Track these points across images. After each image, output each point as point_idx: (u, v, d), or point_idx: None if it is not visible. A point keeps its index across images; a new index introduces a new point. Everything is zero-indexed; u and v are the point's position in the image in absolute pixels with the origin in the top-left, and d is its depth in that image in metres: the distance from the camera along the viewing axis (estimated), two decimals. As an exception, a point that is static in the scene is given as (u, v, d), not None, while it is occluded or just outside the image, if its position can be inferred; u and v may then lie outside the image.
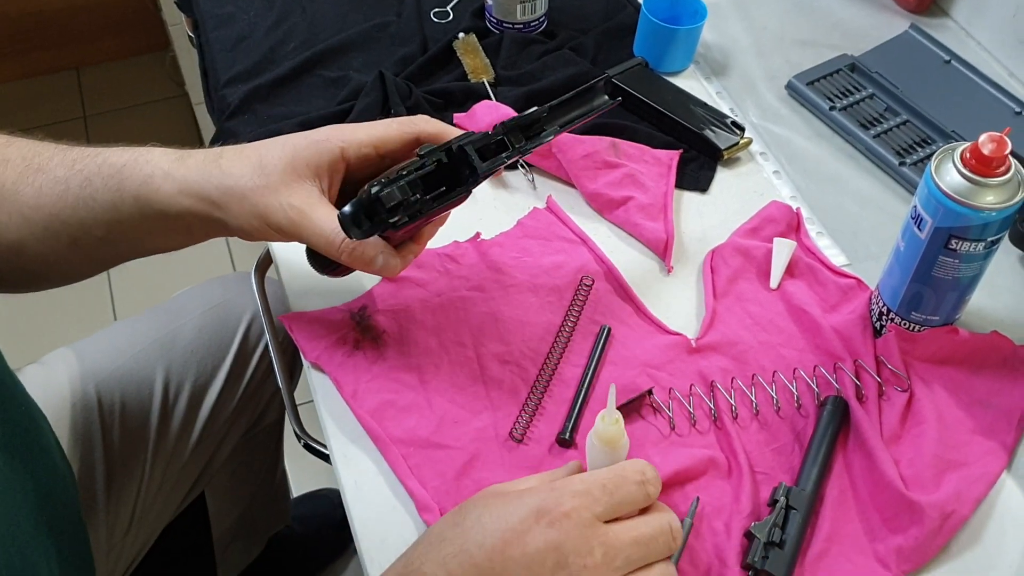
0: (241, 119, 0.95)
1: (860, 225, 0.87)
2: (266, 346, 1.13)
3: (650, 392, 0.73)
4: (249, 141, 0.90)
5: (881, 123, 0.94)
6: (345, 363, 0.74)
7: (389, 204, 0.61)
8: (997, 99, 0.96)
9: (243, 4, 1.08)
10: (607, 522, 0.55)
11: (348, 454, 0.70)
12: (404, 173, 0.63)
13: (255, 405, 1.17)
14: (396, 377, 0.74)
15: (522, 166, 0.90)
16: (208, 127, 2.11)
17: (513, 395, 0.73)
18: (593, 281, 0.80)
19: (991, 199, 0.65)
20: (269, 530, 1.43)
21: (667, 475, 0.67)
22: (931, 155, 0.89)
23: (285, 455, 1.36)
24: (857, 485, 0.69)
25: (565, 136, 0.88)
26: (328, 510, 1.68)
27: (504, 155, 0.68)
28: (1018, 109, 0.95)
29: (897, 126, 0.93)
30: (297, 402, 1.26)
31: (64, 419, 0.93)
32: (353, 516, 0.68)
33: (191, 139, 2.19)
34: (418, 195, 0.63)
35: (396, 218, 0.62)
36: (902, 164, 0.89)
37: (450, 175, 0.66)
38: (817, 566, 0.65)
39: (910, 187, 0.89)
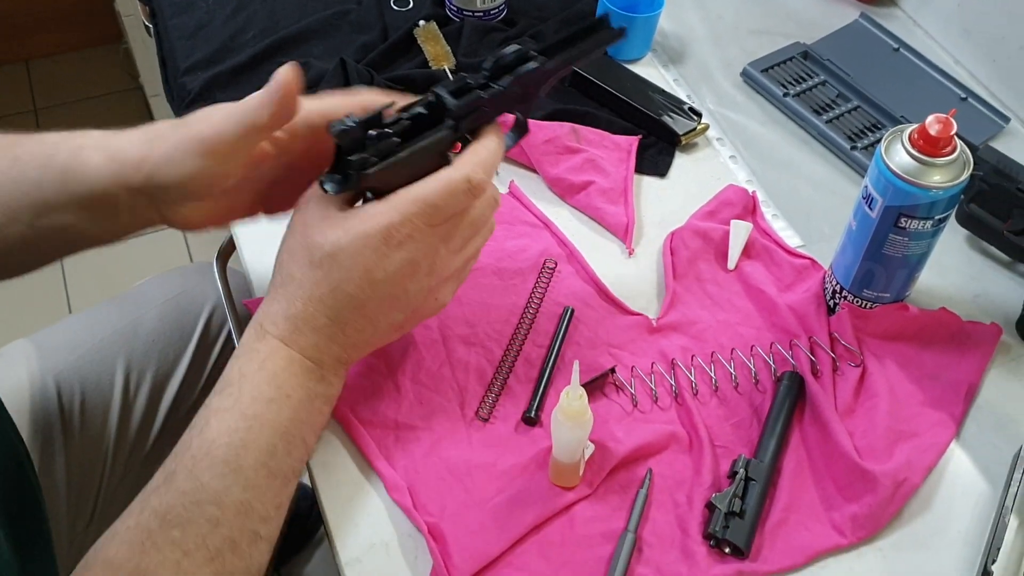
0: (201, 107, 0.94)
1: (813, 207, 0.89)
2: (228, 336, 1.12)
3: (613, 370, 0.74)
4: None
5: (833, 109, 0.96)
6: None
7: (345, 140, 0.58)
8: (944, 85, 0.99)
9: (201, -8, 1.08)
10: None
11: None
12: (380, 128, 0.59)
13: (217, 396, 1.17)
14: (363, 361, 0.74)
15: (484, 152, 0.90)
16: (165, 119, 2.08)
17: (479, 376, 0.74)
18: (556, 264, 0.82)
19: (938, 178, 0.67)
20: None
21: (630, 449, 0.69)
22: (881, 139, 0.92)
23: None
24: (813, 456, 0.71)
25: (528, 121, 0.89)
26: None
27: (481, 92, 0.63)
28: (963, 95, 0.98)
29: (848, 111, 0.96)
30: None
31: (23, 411, 0.92)
32: (323, 498, 0.68)
33: (146, 132, 2.15)
34: (391, 138, 0.59)
35: (362, 159, 0.58)
36: (853, 148, 0.92)
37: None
38: (776, 534, 0.67)
39: (861, 170, 0.91)
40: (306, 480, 0.71)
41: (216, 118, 0.61)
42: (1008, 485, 0.69)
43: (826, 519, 0.68)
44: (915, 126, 0.68)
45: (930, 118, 0.66)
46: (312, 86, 0.94)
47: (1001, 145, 0.95)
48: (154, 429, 1.06)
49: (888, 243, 0.71)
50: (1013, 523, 0.67)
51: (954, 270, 0.84)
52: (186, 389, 1.09)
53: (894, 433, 0.71)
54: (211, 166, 0.60)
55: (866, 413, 0.73)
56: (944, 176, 0.67)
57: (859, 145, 0.92)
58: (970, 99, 0.98)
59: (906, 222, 0.69)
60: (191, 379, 1.09)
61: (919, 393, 0.75)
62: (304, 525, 1.68)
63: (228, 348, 1.12)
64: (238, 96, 0.93)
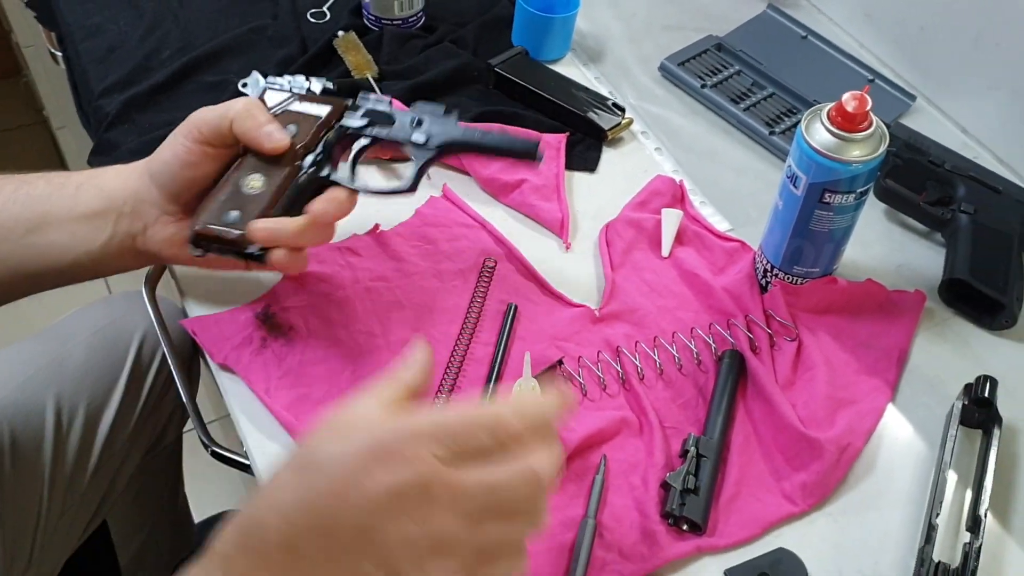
0: (120, 129, 0.92)
1: (738, 192, 0.92)
2: (160, 364, 1.10)
3: (560, 362, 0.75)
4: (131, 151, 0.89)
5: (749, 97, 0.99)
6: (254, 361, 0.74)
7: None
8: (851, 68, 1.04)
9: (111, 14, 1.06)
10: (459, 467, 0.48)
11: (268, 451, 0.70)
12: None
13: (154, 425, 1.14)
14: (308, 371, 0.74)
15: (414, 157, 0.91)
16: (72, 151, 2.03)
17: (427, 377, 0.74)
18: (496, 262, 0.82)
19: (857, 153, 0.70)
20: (175, 558, 1.39)
21: (583, 437, 0.70)
22: (797, 123, 0.95)
23: (184, 480, 1.33)
24: (759, 430, 0.73)
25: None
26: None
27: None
28: (871, 77, 1.03)
29: (764, 99, 0.99)
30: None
31: None
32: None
33: (53, 165, 2.09)
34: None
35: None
36: (772, 133, 0.95)
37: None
38: (730, 508, 0.68)
39: (781, 154, 0.94)
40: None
41: (204, 113, 0.70)
42: (944, 442, 0.72)
43: (777, 489, 0.70)
44: (832, 104, 0.71)
45: (846, 95, 0.69)
46: (235, 102, 0.93)
47: (910, 122, 0.99)
48: (91, 463, 1.04)
49: (814, 219, 0.74)
50: (952, 478, 0.70)
51: (876, 243, 0.88)
52: (121, 420, 1.06)
53: (834, 401, 0.74)
54: (192, 144, 0.69)
55: (805, 384, 0.75)
56: (863, 150, 0.70)
57: (777, 130, 0.96)
58: (877, 80, 1.02)
59: (830, 197, 0.72)
60: (125, 410, 1.07)
61: (854, 362, 0.77)
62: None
63: (161, 375, 1.10)
64: (157, 116, 0.93)
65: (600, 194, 0.90)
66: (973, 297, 0.81)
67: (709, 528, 0.67)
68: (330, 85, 0.77)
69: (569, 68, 1.03)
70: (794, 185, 0.73)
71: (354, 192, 0.71)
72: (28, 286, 0.73)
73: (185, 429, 1.23)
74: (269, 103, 0.73)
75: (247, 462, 0.83)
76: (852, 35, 1.08)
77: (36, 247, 0.70)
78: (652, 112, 0.99)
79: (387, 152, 0.74)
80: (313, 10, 1.08)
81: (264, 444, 0.70)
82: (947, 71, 0.99)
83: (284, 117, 0.71)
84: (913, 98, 1.01)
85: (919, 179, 0.87)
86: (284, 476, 0.50)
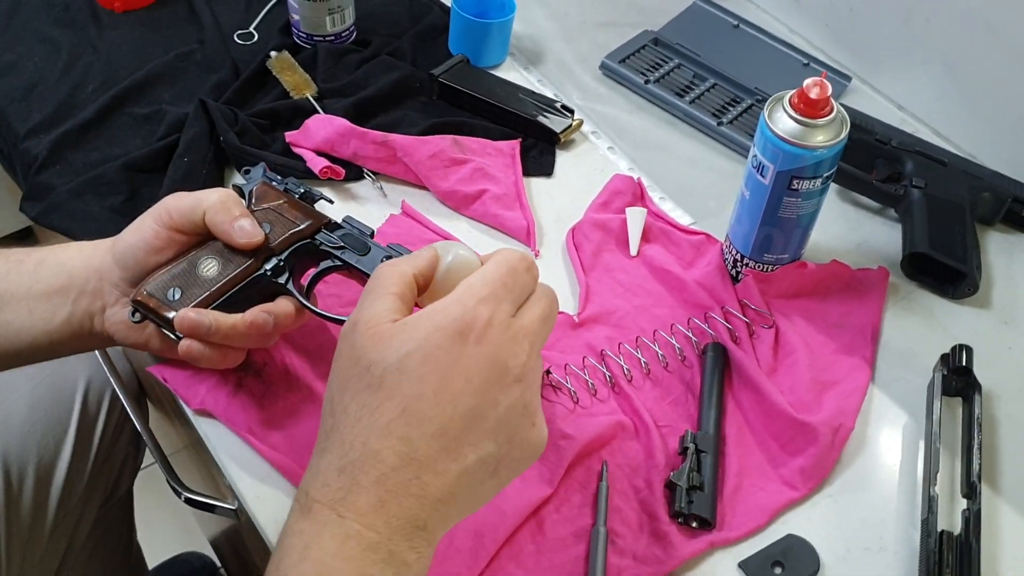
0: (53, 171, 0.88)
1: (694, 185, 0.92)
2: (108, 411, 1.06)
3: (548, 372, 0.74)
4: (67, 192, 0.85)
5: (693, 90, 1.00)
6: (232, 403, 0.71)
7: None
8: (785, 54, 1.05)
9: (24, 51, 1.00)
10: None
11: (260, 494, 0.67)
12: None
13: (107, 476, 1.10)
14: (289, 406, 0.71)
15: (369, 175, 0.89)
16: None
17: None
18: (466, 276, 0.81)
19: (821, 138, 0.71)
20: (134, 609, 1.34)
21: (582, 445, 0.69)
22: (743, 112, 0.97)
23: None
24: (751, 419, 0.73)
25: (408, 139, 0.88)
26: (187, 573, 1.60)
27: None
28: (805, 61, 1.05)
29: (708, 90, 1.00)
30: (144, 464, 1.19)
31: None
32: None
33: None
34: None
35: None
36: (720, 124, 0.96)
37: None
38: (735, 500, 0.69)
39: (731, 144, 0.95)
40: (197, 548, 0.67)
41: (177, 200, 0.67)
42: (929, 414, 0.73)
43: (776, 476, 0.70)
44: (792, 92, 0.72)
45: (807, 82, 0.70)
46: (175, 131, 0.89)
47: (847, 103, 1.01)
48: (47, 523, 0.99)
49: (783, 206, 0.75)
50: (945, 454, 0.72)
51: (833, 224, 0.89)
52: (74, 475, 1.02)
53: (818, 384, 0.75)
54: (161, 229, 0.66)
55: (787, 370, 0.76)
56: (827, 135, 0.71)
57: (724, 120, 0.96)
58: (812, 64, 1.04)
59: (798, 183, 0.73)
60: (77, 463, 1.03)
61: (830, 343, 0.79)
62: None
63: (111, 423, 1.06)
64: (91, 155, 0.89)
65: (560, 198, 0.90)
66: (934, 269, 0.83)
67: (718, 522, 0.67)
68: (329, 199, 0.76)
69: (510, 73, 1.02)
70: (761, 174, 0.74)
71: (303, 310, 0.68)
72: None
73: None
74: (257, 196, 0.69)
75: (228, 506, 0.81)
76: (782, 21, 1.10)
77: None
78: (599, 111, 0.99)
79: (351, 279, 0.71)
80: (239, 31, 1.05)
81: (257, 487, 0.68)
82: (879, 50, 1.01)
83: (262, 214, 0.68)
84: (848, 79, 1.03)
85: (868, 158, 0.89)
86: (360, 402, 0.49)
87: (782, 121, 0.72)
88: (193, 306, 0.64)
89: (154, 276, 0.65)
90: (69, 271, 0.68)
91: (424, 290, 0.56)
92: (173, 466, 0.92)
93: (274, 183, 0.71)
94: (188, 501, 0.87)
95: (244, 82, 0.96)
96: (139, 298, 0.65)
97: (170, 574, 1.58)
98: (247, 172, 0.72)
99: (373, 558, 0.48)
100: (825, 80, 0.70)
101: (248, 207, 0.68)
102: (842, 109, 0.72)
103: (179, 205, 0.66)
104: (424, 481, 0.48)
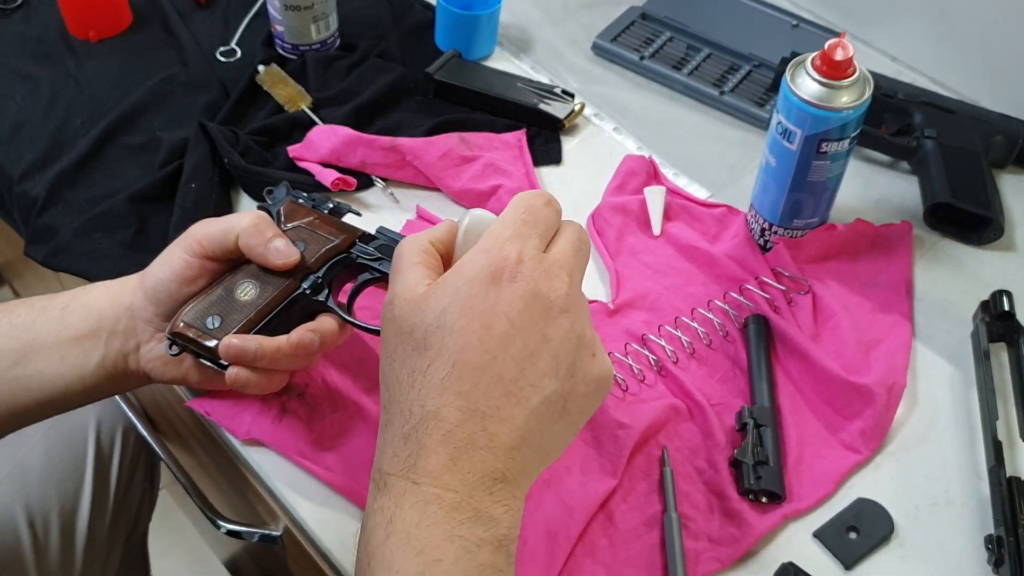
0: (55, 211, 0.85)
1: (706, 158, 0.91)
2: (122, 449, 1.04)
3: (594, 362, 0.73)
4: (74, 232, 0.82)
5: (689, 61, 0.99)
6: (279, 428, 0.69)
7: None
8: (774, 17, 1.05)
9: (3, 90, 0.97)
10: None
11: (324, 518, 0.66)
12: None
13: (128, 513, 1.08)
14: (337, 425, 0.70)
15: (379, 182, 0.87)
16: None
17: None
18: (494, 274, 0.80)
19: (847, 99, 0.71)
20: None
21: (640, 433, 0.69)
22: (743, 79, 0.96)
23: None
24: (802, 388, 0.73)
25: (415, 141, 0.86)
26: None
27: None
28: (794, 22, 1.04)
29: (704, 61, 0.99)
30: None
31: None
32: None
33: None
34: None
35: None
36: (722, 94, 0.95)
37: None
38: (799, 470, 0.68)
39: (737, 112, 0.95)
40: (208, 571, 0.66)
41: (206, 228, 0.64)
42: (981, 360, 0.73)
43: (836, 442, 0.70)
44: (813, 55, 0.71)
45: (829, 44, 0.70)
46: (175, 157, 0.87)
47: (841, 60, 1.01)
48: (76, 566, 0.98)
49: (812, 170, 0.74)
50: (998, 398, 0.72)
51: (849, 182, 0.88)
52: (96, 518, 1.01)
53: (863, 345, 0.75)
54: (193, 259, 0.63)
55: (831, 333, 0.76)
56: (852, 95, 0.71)
57: (726, 89, 0.96)
58: (801, 25, 1.04)
59: (826, 146, 0.72)
60: (98, 506, 1.01)
61: (866, 302, 0.78)
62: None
63: (125, 460, 1.04)
64: (91, 191, 0.86)
65: (573, 185, 0.89)
66: (957, 217, 0.83)
67: (787, 494, 0.66)
68: (357, 211, 0.74)
69: (501, 63, 1.01)
70: (788, 140, 0.73)
71: (345, 324, 0.66)
72: (15, 422, 0.66)
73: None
74: (286, 215, 0.68)
75: (273, 532, 0.79)
76: (766, -16, 1.10)
77: (23, 379, 0.64)
78: (599, 93, 0.98)
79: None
80: (221, 48, 1.02)
81: (317, 511, 0.66)
82: (868, 3, 1.01)
83: (294, 233, 0.66)
84: (838, 35, 1.02)
85: (876, 113, 0.89)
86: (410, 368, 0.49)
87: (806, 85, 0.71)
88: (234, 331, 0.62)
89: (190, 306, 0.63)
90: (98, 313, 0.66)
91: (448, 257, 0.56)
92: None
93: (300, 200, 0.69)
94: (228, 532, 0.85)
95: (236, 100, 0.94)
96: (177, 330, 0.63)
97: None
98: (270, 192, 0.70)
99: (459, 518, 0.47)
100: (846, 40, 0.70)
101: (279, 227, 0.66)
102: (864, 68, 0.72)
103: (209, 232, 0.64)
104: (491, 431, 0.48)
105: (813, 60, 0.71)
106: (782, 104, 0.73)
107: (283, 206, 0.68)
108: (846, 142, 0.73)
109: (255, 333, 0.63)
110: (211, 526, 0.87)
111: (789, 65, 0.72)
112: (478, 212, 0.56)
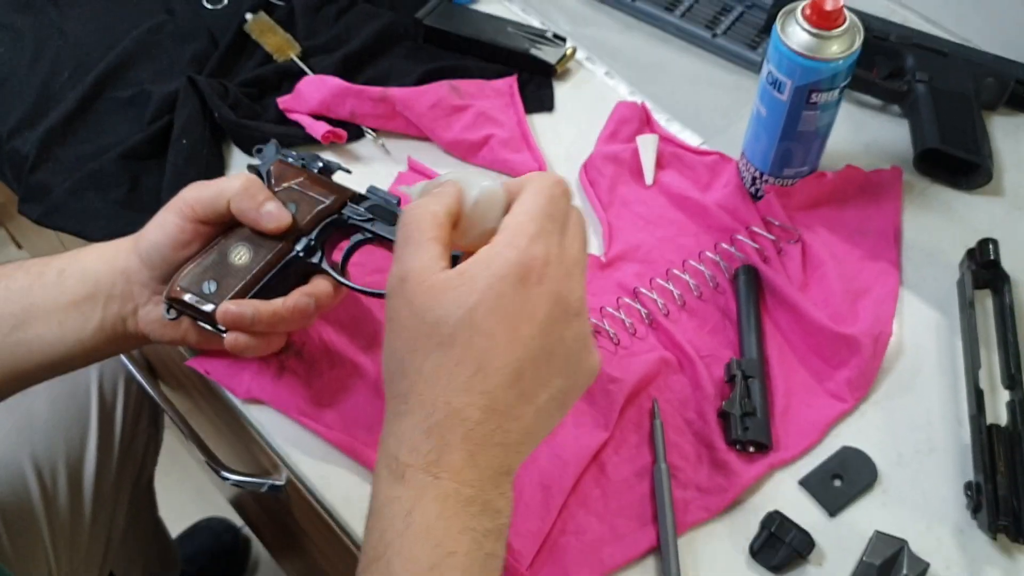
0: (46, 169, 0.85)
1: (698, 103, 0.91)
2: (126, 397, 1.06)
3: (585, 316, 0.74)
4: (67, 191, 0.83)
5: (681, 2, 0.98)
6: (278, 387, 0.71)
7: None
8: (769, -47, 1.03)
9: (-14, 42, 0.96)
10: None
11: (325, 473, 0.68)
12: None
13: (134, 460, 1.11)
14: (335, 382, 0.71)
15: (369, 133, 0.87)
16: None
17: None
18: (487, 228, 0.80)
19: (836, 48, 0.70)
20: (167, 583, 1.37)
21: (631, 387, 0.70)
22: (736, 20, 0.95)
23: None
24: (790, 338, 0.74)
25: (406, 91, 0.86)
26: (211, 542, 1.63)
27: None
28: (788, -41, 1.02)
29: (696, 2, 0.98)
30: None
31: None
32: (354, 531, 0.66)
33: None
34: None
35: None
36: (714, 36, 0.94)
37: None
38: (786, 419, 0.70)
39: (728, 56, 0.94)
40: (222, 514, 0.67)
41: (198, 191, 0.65)
42: (965, 308, 0.74)
43: (823, 391, 0.72)
44: (803, 4, 0.70)
45: (820, -6, 0.69)
46: (165, 111, 0.86)
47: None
48: (86, 517, 1.01)
49: (802, 120, 0.74)
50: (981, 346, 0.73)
51: (839, 126, 0.87)
52: (103, 466, 1.03)
53: (850, 294, 0.76)
54: (186, 223, 0.64)
55: (818, 283, 0.77)
56: (842, 45, 0.70)
57: (718, 32, 0.95)
58: (796, -39, 1.02)
59: (817, 96, 0.72)
60: (104, 454, 1.03)
61: (855, 250, 0.79)
62: (231, 559, 1.63)
63: (129, 407, 1.06)
64: (81, 147, 0.86)
65: (565, 133, 0.89)
66: (947, 162, 0.83)
67: (774, 444, 0.68)
68: (347, 169, 0.73)
69: (492, 5, 0.99)
70: (777, 91, 0.73)
71: (340, 286, 0.67)
72: (17, 384, 0.68)
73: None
74: (276, 177, 0.67)
75: (277, 482, 0.81)
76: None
77: (24, 344, 0.65)
78: (590, 36, 0.97)
79: (380, 249, 0.69)
80: (207, -5, 1.00)
81: (319, 467, 0.68)
82: (864, -60, 0.99)
83: (285, 194, 0.66)
84: (835, -28, 1.01)
85: (867, 55, 0.87)
86: (433, 363, 0.49)
87: (796, 35, 0.70)
88: (231, 297, 0.63)
89: (185, 270, 0.64)
90: (94, 277, 0.67)
91: (455, 228, 0.54)
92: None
93: (290, 159, 0.69)
94: (234, 484, 0.87)
95: (225, 51, 0.93)
96: (174, 295, 0.64)
97: (195, 542, 1.61)
98: (259, 151, 0.70)
99: (472, 511, 0.49)
100: (835, -11, 0.69)
101: (269, 189, 0.67)
102: (854, 16, 0.71)
103: (200, 197, 0.64)
104: (506, 429, 0.49)
105: (803, 9, 0.70)
106: (772, 54, 0.72)
107: (273, 166, 0.68)
108: (836, 92, 0.73)
109: (251, 297, 0.64)
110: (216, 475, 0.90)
111: (780, 13, 0.72)
112: (486, 184, 0.54)
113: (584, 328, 0.52)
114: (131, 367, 0.99)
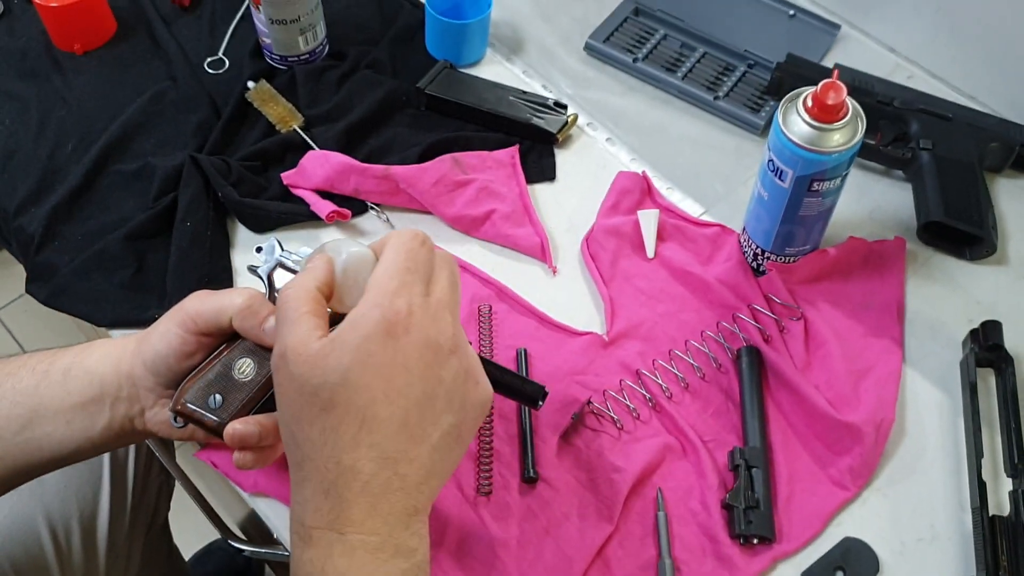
0: (52, 248, 0.85)
1: (699, 168, 0.91)
2: (137, 448, 1.07)
3: (589, 402, 0.75)
4: (73, 273, 0.83)
5: (683, 62, 0.98)
6: (284, 480, 0.71)
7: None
8: (770, 7, 1.03)
9: (-9, 113, 0.96)
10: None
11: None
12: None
13: (146, 509, 1.12)
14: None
15: (373, 207, 0.87)
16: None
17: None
18: (490, 307, 0.81)
19: (839, 139, 0.70)
20: (180, 608, 1.38)
21: (636, 475, 0.71)
22: (738, 82, 0.95)
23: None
24: (793, 421, 0.74)
25: (409, 169, 0.86)
26: (225, 563, 1.64)
27: None
28: (791, 12, 1.02)
29: (698, 61, 0.98)
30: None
31: None
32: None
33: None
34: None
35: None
36: (716, 99, 0.94)
37: None
38: (790, 509, 0.70)
39: (730, 119, 0.94)
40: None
41: (199, 305, 0.65)
42: (967, 394, 0.74)
43: (826, 477, 0.72)
44: (806, 94, 0.70)
45: (821, 87, 0.69)
46: (169, 188, 0.87)
47: (838, 51, 1.00)
48: (100, 568, 1.02)
49: (804, 206, 0.74)
50: (984, 427, 0.73)
51: (843, 191, 0.88)
52: (116, 520, 1.04)
53: (853, 375, 0.76)
54: (188, 336, 0.64)
55: (821, 362, 0.77)
56: (844, 136, 0.70)
57: (720, 94, 0.95)
58: (798, 15, 1.02)
59: (819, 185, 0.72)
60: (117, 508, 1.04)
61: (858, 326, 0.79)
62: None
63: (140, 457, 1.07)
64: (85, 225, 0.87)
65: (567, 203, 0.89)
66: (950, 232, 0.83)
67: (777, 535, 0.69)
68: None
69: (493, 66, 1.00)
70: (779, 178, 0.73)
71: None
72: (28, 477, 0.69)
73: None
74: (278, 281, 0.68)
75: (284, 553, 0.82)
76: (762, -29, 1.07)
77: (33, 441, 0.66)
78: (591, 99, 0.97)
79: None
80: (209, 59, 1.01)
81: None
82: (867, -4, 0.99)
83: None
84: (838, 27, 1.01)
85: (871, 120, 0.87)
86: (320, 428, 0.51)
87: (798, 126, 0.70)
88: (236, 411, 0.64)
89: (191, 383, 0.64)
90: (100, 380, 0.67)
91: (329, 296, 0.57)
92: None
93: (289, 263, 0.69)
94: (250, 554, 0.88)
95: (227, 121, 0.93)
96: (180, 408, 0.64)
97: (206, 564, 1.62)
98: (259, 250, 0.70)
99: (382, 556, 0.51)
100: (838, 81, 0.69)
101: (270, 298, 0.67)
102: (857, 106, 0.71)
103: (202, 311, 0.64)
104: (402, 473, 0.52)
105: (805, 100, 0.70)
106: (773, 143, 0.72)
107: (273, 270, 0.68)
108: (838, 180, 0.73)
109: (256, 410, 0.64)
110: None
111: (783, 102, 0.72)
112: (353, 250, 0.58)
113: (464, 363, 0.54)
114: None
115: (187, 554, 1.45)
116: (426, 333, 0.52)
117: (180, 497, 1.22)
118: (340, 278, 0.57)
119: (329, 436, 0.51)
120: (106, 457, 1.04)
